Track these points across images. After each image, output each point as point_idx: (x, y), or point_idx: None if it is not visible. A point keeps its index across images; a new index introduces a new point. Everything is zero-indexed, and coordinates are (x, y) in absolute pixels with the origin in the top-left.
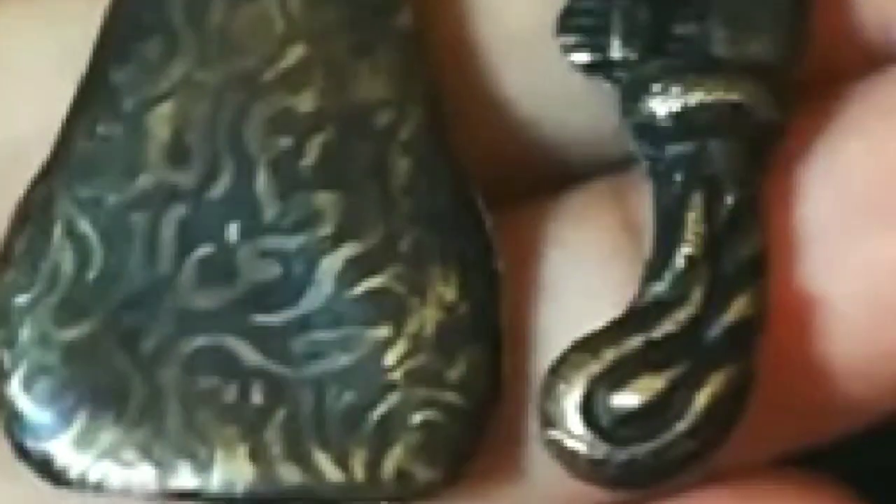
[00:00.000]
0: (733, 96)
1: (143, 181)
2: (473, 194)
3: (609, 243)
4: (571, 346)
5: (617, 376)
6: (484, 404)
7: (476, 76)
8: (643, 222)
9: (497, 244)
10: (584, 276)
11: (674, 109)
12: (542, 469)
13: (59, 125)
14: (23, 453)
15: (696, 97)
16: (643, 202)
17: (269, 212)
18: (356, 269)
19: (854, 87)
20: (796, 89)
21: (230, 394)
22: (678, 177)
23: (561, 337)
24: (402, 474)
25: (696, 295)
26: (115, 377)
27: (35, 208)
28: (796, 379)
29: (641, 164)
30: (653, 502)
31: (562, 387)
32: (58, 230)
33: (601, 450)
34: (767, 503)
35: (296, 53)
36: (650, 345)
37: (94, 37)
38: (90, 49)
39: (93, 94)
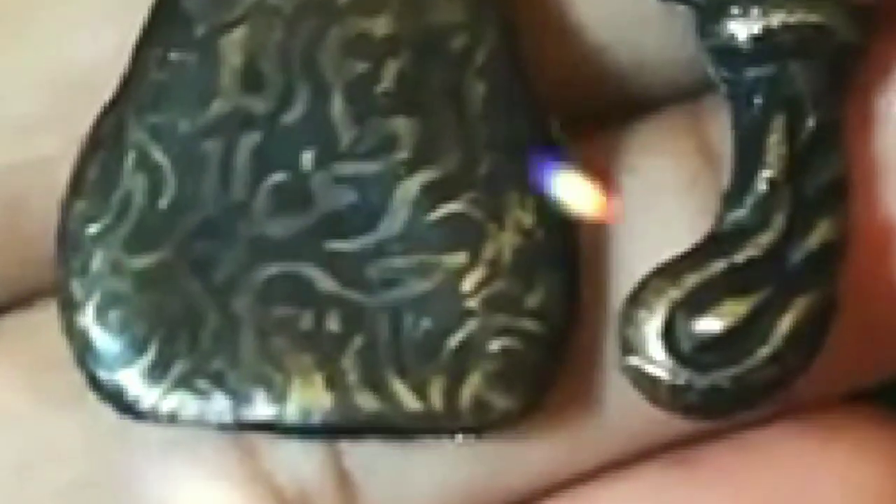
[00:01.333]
0: (814, 17)
1: (216, 108)
2: (549, 119)
3: (686, 170)
4: (652, 273)
5: (698, 302)
6: (562, 332)
7: (551, 3)
8: (720, 149)
9: (575, 170)
10: (662, 204)
11: (754, 31)
12: (620, 398)
13: (129, 53)
14: (95, 384)
15: (777, 18)
16: (720, 128)
17: (345, 138)
18: (432, 194)
19: None
20: (875, 12)
21: (306, 322)
22: (758, 100)
23: (638, 264)
24: (479, 403)
25: (778, 219)
26: (188, 306)
27: (106, 136)
28: (877, 305)
29: (719, 87)
30: (731, 433)
31: (643, 313)
32: (129, 158)
33: (682, 376)
34: (843, 437)
35: None
36: (732, 270)
37: None
38: None
39: (164, 21)
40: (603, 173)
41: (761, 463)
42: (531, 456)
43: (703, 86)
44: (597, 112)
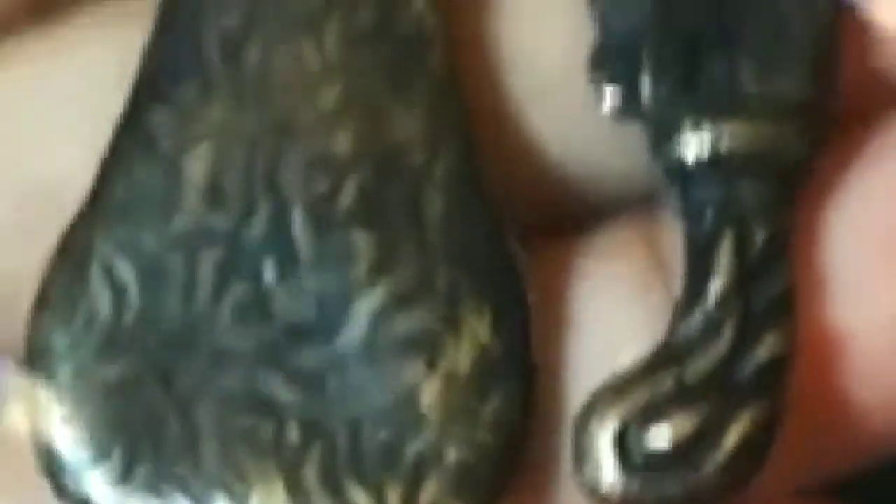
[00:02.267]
0: (764, 136)
1: (180, 223)
2: (506, 232)
3: (639, 279)
4: (604, 384)
5: (650, 414)
6: (517, 441)
7: (507, 117)
8: (672, 258)
9: (529, 281)
10: (615, 311)
11: (704, 150)
12: None
13: (95, 167)
14: (61, 491)
15: (726, 138)
16: (672, 238)
17: (305, 251)
18: (391, 307)
19: (880, 125)
20: (825, 127)
21: (266, 431)
22: (709, 216)
23: (592, 372)
24: None
25: (728, 333)
26: (153, 414)
27: (73, 249)
28: (821, 413)
29: (671, 202)
30: None
31: (594, 425)
32: (95, 271)
33: (634, 486)
34: None
35: (332, 96)
36: (682, 382)
37: (127, 79)
38: (124, 91)
39: (129, 137)
40: (557, 280)
41: None
42: None
43: (658, 194)
44: (552, 221)
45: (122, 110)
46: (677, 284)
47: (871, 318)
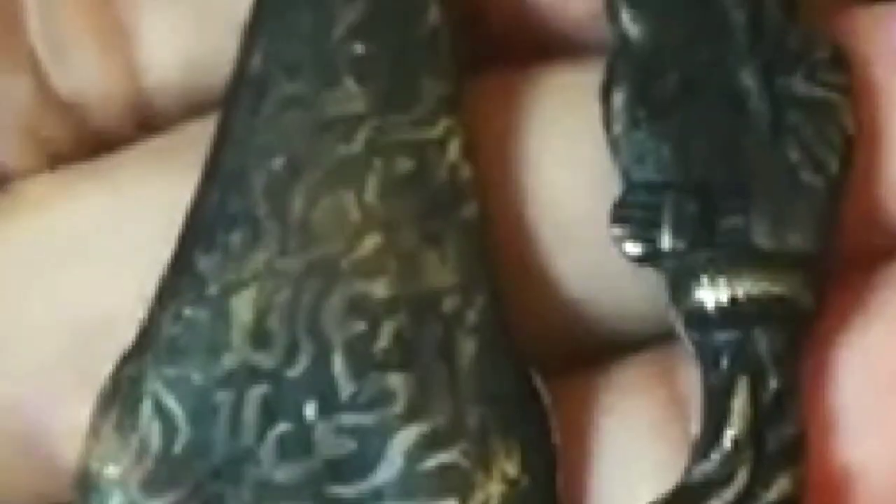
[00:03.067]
0: (777, 288)
1: (227, 361)
2: (532, 371)
3: (658, 414)
4: None
5: None
6: None
7: (533, 259)
8: (689, 394)
9: (555, 419)
10: (635, 446)
11: (721, 300)
12: None
13: (146, 305)
14: None
15: (742, 289)
16: (689, 376)
17: (345, 391)
18: (425, 445)
19: (879, 272)
20: (829, 276)
21: None
22: (724, 362)
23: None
24: None
25: (742, 475)
26: None
27: (124, 385)
28: None
29: (688, 347)
30: None
31: None
32: (146, 406)
33: None
34: None
35: (371, 243)
36: None
37: (173, 219)
38: (173, 231)
39: (179, 279)
40: (579, 415)
41: None
42: None
43: (673, 333)
44: (571, 356)
45: (172, 251)
46: (694, 419)
47: (879, 456)
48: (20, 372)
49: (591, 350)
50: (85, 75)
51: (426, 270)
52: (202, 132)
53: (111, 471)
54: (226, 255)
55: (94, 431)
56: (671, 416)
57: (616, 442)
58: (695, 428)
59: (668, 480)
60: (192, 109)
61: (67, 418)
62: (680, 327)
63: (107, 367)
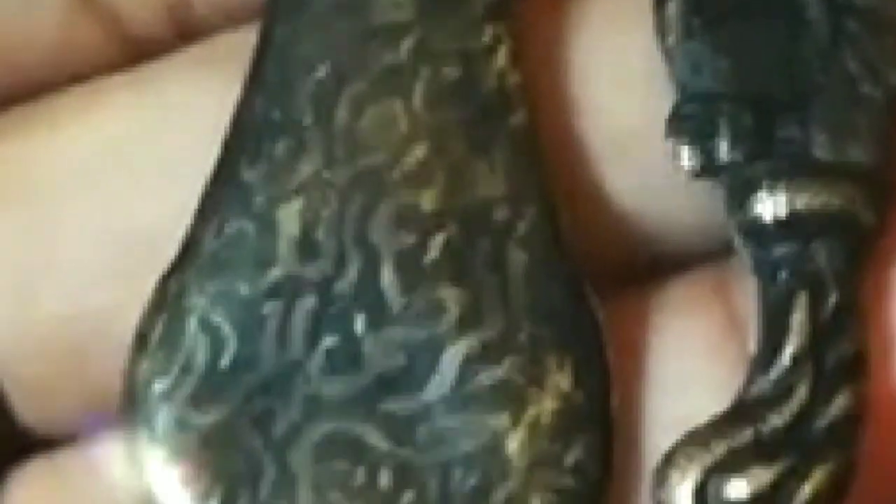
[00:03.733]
0: (836, 201)
1: (274, 274)
2: (585, 285)
3: (713, 333)
4: (684, 437)
5: (728, 467)
6: (598, 486)
7: (585, 171)
8: (745, 313)
9: (608, 335)
10: (691, 364)
11: (780, 212)
12: None
13: (188, 217)
14: None
15: (801, 201)
16: (745, 293)
17: (394, 304)
18: (477, 359)
19: None
20: (891, 191)
21: (359, 477)
22: (783, 275)
23: (667, 424)
24: None
25: (802, 391)
26: (249, 460)
27: (169, 299)
28: (889, 470)
29: (746, 261)
30: None
31: (675, 476)
32: (192, 320)
33: None
34: None
35: (419, 152)
36: (758, 438)
37: (217, 129)
38: (216, 141)
39: (223, 191)
40: (633, 334)
41: None
42: None
43: (728, 249)
44: (627, 273)
45: (215, 163)
46: (750, 336)
47: None
48: (66, 287)
49: (644, 267)
50: None
51: (475, 180)
52: (244, 41)
53: (157, 386)
54: (271, 166)
55: (140, 347)
56: (727, 334)
57: (671, 361)
58: (752, 345)
59: (724, 399)
60: (233, 17)
61: (113, 333)
62: (737, 241)
63: (151, 281)
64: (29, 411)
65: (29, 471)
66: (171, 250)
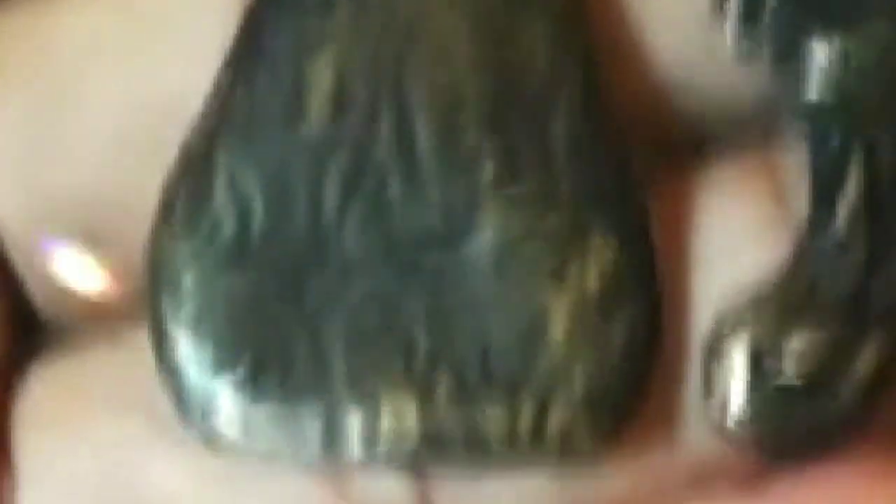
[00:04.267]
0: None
1: (306, 131)
2: (630, 162)
3: (762, 213)
4: (733, 309)
5: (783, 333)
6: (644, 365)
7: (629, 41)
8: (793, 191)
9: (652, 213)
10: (738, 246)
11: (833, 62)
12: (698, 433)
13: (214, 77)
14: (183, 397)
15: (853, 52)
16: (792, 171)
17: (429, 158)
18: (517, 213)
19: None
20: None
21: (397, 345)
22: (835, 138)
23: (715, 298)
24: (564, 434)
25: (858, 254)
26: (281, 328)
27: (195, 161)
28: None
29: (795, 127)
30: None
31: (726, 348)
32: (219, 182)
33: (766, 410)
34: None
35: (457, 2)
36: (815, 303)
37: None
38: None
39: (249, 45)
40: (679, 213)
41: (831, 497)
42: (612, 484)
43: (776, 124)
44: (672, 148)
45: (240, 18)
46: (799, 216)
47: None
48: (85, 161)
49: (690, 140)
50: None
51: (516, 42)
52: None
53: (183, 249)
54: (299, 18)
55: (164, 215)
56: (775, 213)
57: (717, 238)
58: (802, 214)
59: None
60: None
61: (134, 208)
62: (785, 106)
63: (174, 150)
64: (43, 291)
65: (49, 365)
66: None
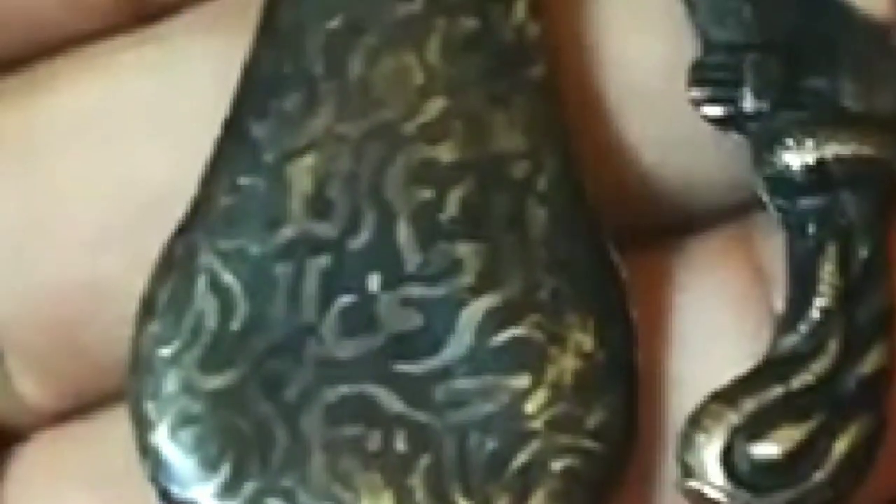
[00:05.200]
0: (866, 149)
1: (286, 232)
2: (607, 242)
3: (738, 290)
4: (710, 397)
5: (756, 427)
6: (621, 449)
7: (606, 122)
8: (770, 269)
9: (631, 292)
10: (715, 323)
11: (808, 162)
12: None
13: (198, 176)
14: (168, 501)
15: (830, 150)
16: (769, 248)
17: (411, 262)
18: (496, 318)
19: None
20: None
21: (374, 441)
22: (811, 228)
23: (693, 383)
24: None
25: (832, 346)
26: (259, 425)
27: (178, 259)
28: None
29: (773, 214)
30: None
31: (702, 437)
32: (201, 281)
33: (742, 499)
34: None
35: (435, 105)
36: (788, 396)
37: (227, 87)
38: (224, 100)
39: (233, 148)
40: (657, 291)
41: None
42: None
43: (753, 204)
44: (649, 229)
45: (224, 120)
46: (776, 294)
47: None
48: (62, 253)
49: (667, 222)
50: None
51: (493, 134)
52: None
53: (165, 350)
54: (282, 121)
55: (147, 310)
56: (752, 290)
57: (696, 317)
58: (779, 301)
59: (751, 356)
60: None
61: (118, 299)
62: (764, 194)
63: (154, 245)
64: (29, 381)
65: (32, 446)
66: (177, 211)
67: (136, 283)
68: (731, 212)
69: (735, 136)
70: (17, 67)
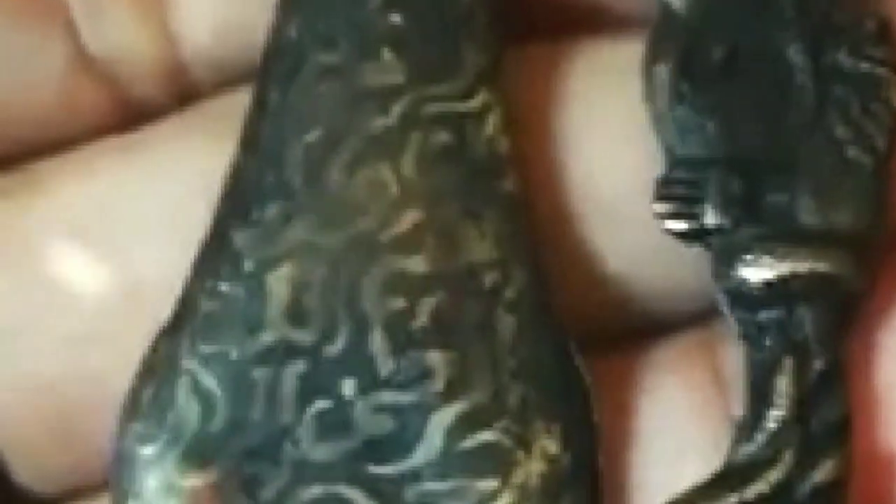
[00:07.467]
0: (822, 266)
1: (265, 338)
2: (572, 348)
3: (698, 394)
4: (668, 502)
5: None
6: None
7: (573, 235)
8: (730, 374)
9: (595, 398)
10: (678, 426)
11: (766, 278)
12: None
13: (182, 280)
14: None
15: (787, 267)
16: (731, 356)
17: (384, 369)
18: (465, 423)
19: None
20: (877, 255)
21: None
22: (768, 341)
23: (654, 487)
24: None
25: (787, 457)
26: None
27: (161, 362)
28: None
29: (732, 326)
30: None
31: None
32: (183, 384)
33: None
34: None
35: (409, 218)
36: (743, 503)
37: (210, 189)
38: (208, 203)
39: (215, 254)
40: (619, 396)
41: None
42: None
43: (714, 311)
44: (612, 335)
45: (207, 227)
46: (737, 399)
47: None
48: (52, 349)
49: (631, 329)
50: (120, 39)
51: (465, 246)
52: (236, 103)
53: (147, 450)
54: (262, 230)
55: (130, 410)
56: (713, 396)
57: (658, 423)
58: (738, 409)
59: (711, 462)
60: (228, 81)
61: (105, 395)
62: (724, 305)
63: (141, 342)
64: (23, 471)
65: None
66: (161, 311)
67: (124, 379)
68: (696, 319)
69: (697, 249)
70: (11, 167)
